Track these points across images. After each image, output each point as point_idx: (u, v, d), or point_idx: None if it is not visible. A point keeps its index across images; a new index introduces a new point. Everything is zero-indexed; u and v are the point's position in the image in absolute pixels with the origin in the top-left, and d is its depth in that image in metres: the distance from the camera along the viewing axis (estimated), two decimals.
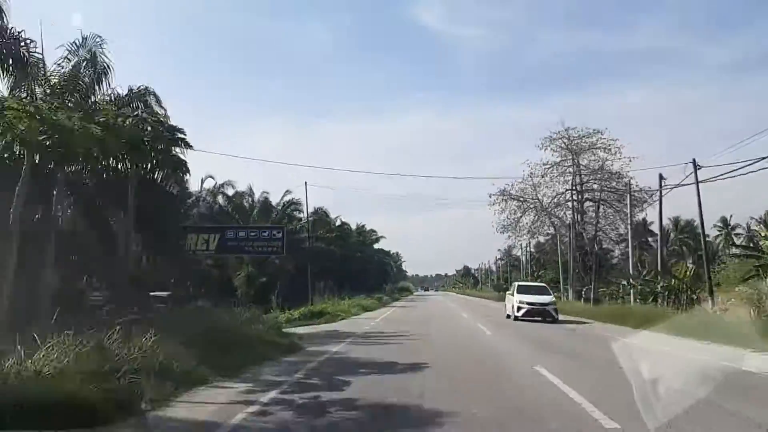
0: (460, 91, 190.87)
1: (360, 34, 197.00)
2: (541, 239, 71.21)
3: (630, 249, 34.82)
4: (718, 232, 74.45)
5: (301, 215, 38.04)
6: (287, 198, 36.99)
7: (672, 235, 75.77)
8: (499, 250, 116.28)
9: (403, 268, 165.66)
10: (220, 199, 36.41)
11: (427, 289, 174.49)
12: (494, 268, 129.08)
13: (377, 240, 75.52)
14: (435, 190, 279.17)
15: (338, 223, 50.56)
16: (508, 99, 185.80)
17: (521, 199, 59.56)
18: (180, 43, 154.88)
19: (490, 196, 59.26)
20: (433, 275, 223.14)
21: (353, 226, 67.07)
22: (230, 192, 36.95)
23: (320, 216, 43.94)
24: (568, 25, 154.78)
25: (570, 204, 58.39)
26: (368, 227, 74.16)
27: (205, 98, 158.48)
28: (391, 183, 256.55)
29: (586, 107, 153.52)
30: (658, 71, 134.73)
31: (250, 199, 37.45)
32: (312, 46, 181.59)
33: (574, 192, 57.78)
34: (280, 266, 33.66)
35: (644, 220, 61.71)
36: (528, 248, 73.32)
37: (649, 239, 77.60)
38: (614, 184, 56.88)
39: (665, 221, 70.18)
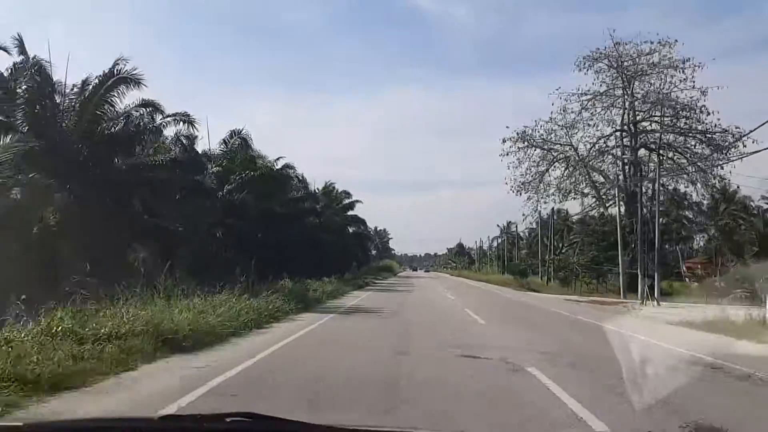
0: (452, 69, 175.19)
1: (353, 11, 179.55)
2: (544, 213, 54.17)
3: None
4: (767, 205, 58.74)
5: (162, 120, 18.97)
6: (118, 68, 17.82)
7: (721, 207, 59.07)
8: (498, 225, 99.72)
9: (391, 246, 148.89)
10: None
11: (415, 269, 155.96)
12: (485, 246, 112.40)
13: (351, 206, 58.09)
14: (426, 168, 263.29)
15: (279, 166, 31.31)
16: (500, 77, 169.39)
17: (547, 146, 42.53)
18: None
19: (503, 142, 42.37)
20: (423, 255, 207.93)
21: (320, 185, 49.78)
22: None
23: (237, 146, 25.71)
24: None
25: (618, 151, 41.35)
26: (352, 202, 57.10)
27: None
28: (380, 160, 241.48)
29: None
30: None
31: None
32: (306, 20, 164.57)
33: (624, 134, 40.77)
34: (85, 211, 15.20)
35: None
36: (554, 214, 56.39)
37: (688, 213, 61.97)
38: (683, 122, 39.91)
39: (707, 195, 53.80)
